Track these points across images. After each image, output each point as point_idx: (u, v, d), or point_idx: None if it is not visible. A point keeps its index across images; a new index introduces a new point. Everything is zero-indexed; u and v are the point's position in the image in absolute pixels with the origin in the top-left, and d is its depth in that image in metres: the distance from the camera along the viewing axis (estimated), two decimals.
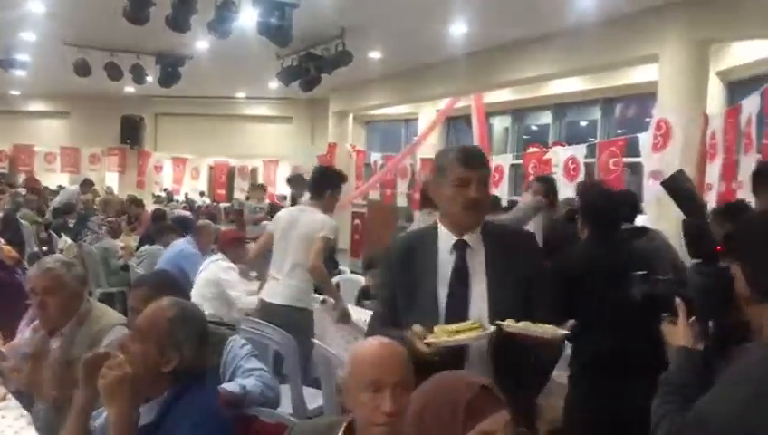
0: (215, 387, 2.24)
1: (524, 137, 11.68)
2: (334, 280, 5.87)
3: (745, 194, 4.82)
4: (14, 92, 15.74)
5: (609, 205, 3.26)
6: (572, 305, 2.45)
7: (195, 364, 2.11)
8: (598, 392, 2.91)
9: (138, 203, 10.55)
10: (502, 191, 8.68)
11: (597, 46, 7.74)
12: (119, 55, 10.35)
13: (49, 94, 15.90)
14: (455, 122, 12.59)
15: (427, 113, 12.51)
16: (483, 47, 9.14)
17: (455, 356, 1.95)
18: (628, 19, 7.30)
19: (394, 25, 8.53)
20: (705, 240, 1.78)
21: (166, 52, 10.39)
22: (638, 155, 7.51)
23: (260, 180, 14.33)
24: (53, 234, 9.35)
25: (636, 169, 7.87)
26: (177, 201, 14.20)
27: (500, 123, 12.13)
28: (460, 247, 2.16)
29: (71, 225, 9.62)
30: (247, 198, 12.77)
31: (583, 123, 10.82)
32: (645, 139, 7.26)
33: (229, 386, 2.41)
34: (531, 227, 4.49)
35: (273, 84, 11.73)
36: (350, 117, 13.70)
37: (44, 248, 8.97)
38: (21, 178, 15.54)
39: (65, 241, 8.53)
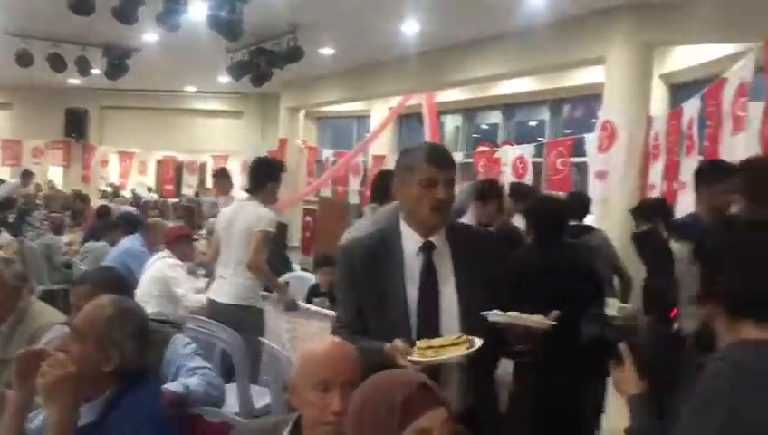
0: (157, 386, 2.20)
1: (475, 136, 11.80)
2: (284, 277, 5.84)
3: (687, 194, 4.97)
4: None
5: (551, 210, 3.38)
6: (519, 305, 2.49)
7: (136, 363, 2.07)
8: (540, 388, 2.97)
9: (83, 198, 10.32)
10: None
11: (546, 47, 7.86)
12: (63, 46, 10.06)
13: None
14: (407, 120, 12.64)
15: (380, 111, 12.53)
16: (435, 46, 9.20)
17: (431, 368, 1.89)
18: (577, 21, 7.44)
19: (346, 22, 8.52)
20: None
21: (113, 43, 10.15)
22: (584, 155, 7.68)
23: (209, 175, 14.12)
24: None
25: (582, 169, 8.04)
26: (124, 196, 13.92)
27: (451, 122, 12.23)
28: (427, 249, 2.12)
29: (11, 220, 9.33)
30: (197, 194, 12.60)
31: (532, 123, 10.99)
32: (591, 139, 7.42)
33: (172, 386, 2.37)
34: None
35: (224, 79, 11.58)
36: (302, 113, 13.63)
37: None
38: None
39: (5, 237, 8.27)
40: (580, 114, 10.05)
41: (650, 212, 4.93)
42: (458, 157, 9.44)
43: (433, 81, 10.08)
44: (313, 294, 5.31)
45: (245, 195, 4.67)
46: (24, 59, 9.97)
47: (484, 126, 11.97)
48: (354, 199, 11.55)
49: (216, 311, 4.23)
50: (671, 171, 6.20)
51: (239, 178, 11.91)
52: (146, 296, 4.54)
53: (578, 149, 7.91)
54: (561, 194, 6.77)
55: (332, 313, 4.53)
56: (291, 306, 4.48)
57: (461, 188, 4.81)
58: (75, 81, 13.19)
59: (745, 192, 2.75)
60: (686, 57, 7.64)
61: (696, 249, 1.58)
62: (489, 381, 2.23)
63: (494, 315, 1.96)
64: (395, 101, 11.62)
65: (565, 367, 2.89)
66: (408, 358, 1.85)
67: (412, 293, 2.08)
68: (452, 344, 1.88)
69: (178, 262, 4.90)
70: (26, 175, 12.39)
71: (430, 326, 2.04)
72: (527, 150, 8.53)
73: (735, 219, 1.67)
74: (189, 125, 15.83)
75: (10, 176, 14.43)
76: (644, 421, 1.63)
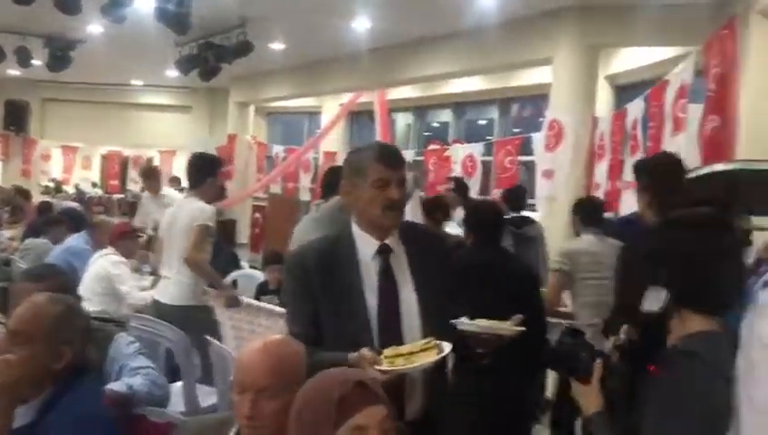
0: (99, 386, 2.16)
1: (426, 134, 11.87)
2: (232, 275, 5.77)
3: (631, 193, 5.10)
4: None
5: (488, 215, 3.49)
6: (462, 307, 2.52)
7: (76, 363, 2.03)
8: (470, 387, 2.99)
9: (23, 193, 9.99)
10: None
11: (495, 47, 7.95)
12: (2, 36, 9.75)
13: None
14: (358, 117, 12.64)
15: (331, 107, 12.48)
16: (386, 43, 9.21)
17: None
18: (526, 22, 7.54)
19: (297, 17, 8.46)
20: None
21: (56, 34, 9.86)
22: (532, 154, 7.80)
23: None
24: None
25: (530, 168, 8.16)
26: (67, 192, 13.55)
27: (402, 120, 12.28)
28: (384, 252, 2.07)
29: None
30: (142, 190, 12.31)
31: (482, 122, 11.11)
32: (538, 138, 7.54)
33: (115, 385, 2.32)
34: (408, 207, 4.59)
35: (172, 73, 11.37)
36: (252, 108, 13.47)
37: None
38: None
39: None
40: (529, 114, 10.21)
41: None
42: (409, 155, 9.48)
43: (384, 78, 10.09)
44: (262, 291, 5.27)
45: (177, 193, 4.60)
46: None
47: (435, 124, 12.06)
48: (305, 196, 11.48)
49: (161, 312, 4.15)
50: (615, 171, 6.35)
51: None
52: (89, 294, 4.43)
53: (526, 147, 8.03)
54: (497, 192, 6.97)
55: (280, 309, 4.53)
56: (232, 303, 4.42)
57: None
58: (15, 72, 12.81)
59: (648, 189, 2.90)
60: (630, 59, 7.83)
61: (634, 248, 1.64)
62: (445, 384, 2.23)
63: (463, 324, 1.94)
64: (346, 98, 11.60)
65: (506, 367, 2.93)
66: (378, 368, 1.79)
67: (370, 298, 2.03)
68: (421, 350, 1.83)
69: (122, 259, 4.80)
70: None
71: (392, 331, 2.00)
72: (477, 149, 8.62)
73: (675, 219, 1.71)
74: (136, 119, 15.51)
75: None
76: None
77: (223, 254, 5.71)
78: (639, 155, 5.83)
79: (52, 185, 14.36)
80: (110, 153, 15.39)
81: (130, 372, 2.40)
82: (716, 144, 4.62)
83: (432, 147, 9.62)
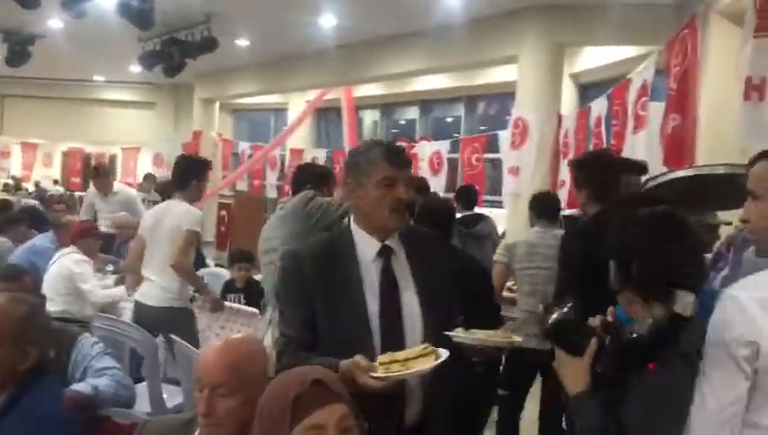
0: (61, 387, 2.12)
1: (393, 131, 11.91)
2: (198, 273, 5.71)
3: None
4: None
5: (440, 211, 3.52)
6: None
7: (38, 364, 2.00)
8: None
9: None
10: None
11: (462, 45, 8.00)
12: None
13: None
14: (325, 114, 12.61)
15: (298, 104, 12.44)
16: (352, 41, 9.20)
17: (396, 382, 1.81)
18: (492, 21, 7.60)
19: (262, 14, 8.41)
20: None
21: (14, 29, 9.68)
22: (498, 151, 7.87)
23: (118, 168, 13.69)
24: None
25: (496, 165, 8.24)
26: (27, 190, 13.27)
27: (369, 117, 12.28)
28: (386, 253, 2.00)
29: None
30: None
31: (449, 119, 11.17)
32: (504, 136, 7.61)
33: (80, 386, 2.29)
34: None
35: (135, 68, 11.21)
36: (217, 104, 13.36)
37: None
38: None
39: None
40: (495, 111, 10.29)
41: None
42: None
43: (350, 75, 10.09)
44: (228, 289, 5.22)
45: (130, 190, 4.52)
46: None
47: (401, 121, 12.09)
48: (272, 194, 11.42)
49: (144, 314, 4.10)
50: None
51: (152, 170, 11.59)
52: (52, 294, 4.34)
53: (492, 145, 8.10)
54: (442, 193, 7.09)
55: (254, 310, 4.51)
56: (217, 307, 4.41)
57: None
58: None
59: (587, 186, 2.93)
60: (594, 58, 7.95)
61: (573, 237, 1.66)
62: (445, 389, 2.10)
63: (459, 337, 1.91)
64: (313, 95, 11.56)
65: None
66: (374, 374, 1.73)
67: (371, 300, 1.95)
68: (418, 356, 1.77)
69: (84, 257, 4.71)
70: None
71: (394, 333, 1.94)
72: (443, 146, 8.67)
73: (637, 215, 1.74)
74: (98, 116, 15.27)
75: None
76: (597, 416, 1.61)
77: None
78: None
79: (11, 182, 14.04)
80: (72, 150, 15.13)
81: (96, 373, 2.36)
82: (677, 142, 4.71)
83: (399, 144, 9.64)
